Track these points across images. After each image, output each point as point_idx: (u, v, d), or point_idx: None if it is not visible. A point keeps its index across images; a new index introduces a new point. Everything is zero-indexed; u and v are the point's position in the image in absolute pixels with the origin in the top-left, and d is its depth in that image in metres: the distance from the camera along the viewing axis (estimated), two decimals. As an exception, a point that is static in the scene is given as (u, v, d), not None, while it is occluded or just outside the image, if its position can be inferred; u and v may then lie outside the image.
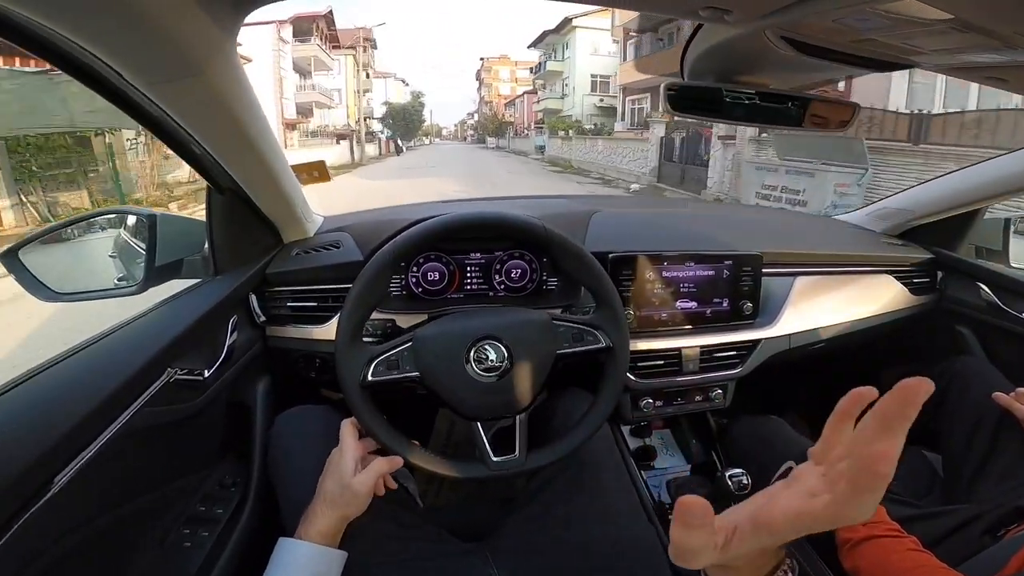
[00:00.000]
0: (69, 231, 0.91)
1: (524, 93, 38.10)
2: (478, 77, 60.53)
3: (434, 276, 0.88)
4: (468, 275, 0.90)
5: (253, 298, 0.87)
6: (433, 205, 1.13)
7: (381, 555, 0.65)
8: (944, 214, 1.16)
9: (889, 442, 0.30)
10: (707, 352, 0.97)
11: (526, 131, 35.01)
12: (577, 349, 0.73)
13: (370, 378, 0.66)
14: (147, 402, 0.59)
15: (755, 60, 0.69)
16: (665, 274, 0.93)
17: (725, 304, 0.97)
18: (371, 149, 28.16)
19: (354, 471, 0.63)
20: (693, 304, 0.95)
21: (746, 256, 0.97)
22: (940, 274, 1.20)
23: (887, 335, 1.16)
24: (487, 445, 0.68)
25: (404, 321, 0.86)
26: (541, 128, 27.13)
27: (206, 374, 0.71)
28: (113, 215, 0.96)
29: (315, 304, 0.89)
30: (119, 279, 0.91)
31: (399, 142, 35.21)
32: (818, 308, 1.05)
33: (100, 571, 0.58)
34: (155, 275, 0.83)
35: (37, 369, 0.55)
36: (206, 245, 0.87)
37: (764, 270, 0.99)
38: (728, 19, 0.52)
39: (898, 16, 0.45)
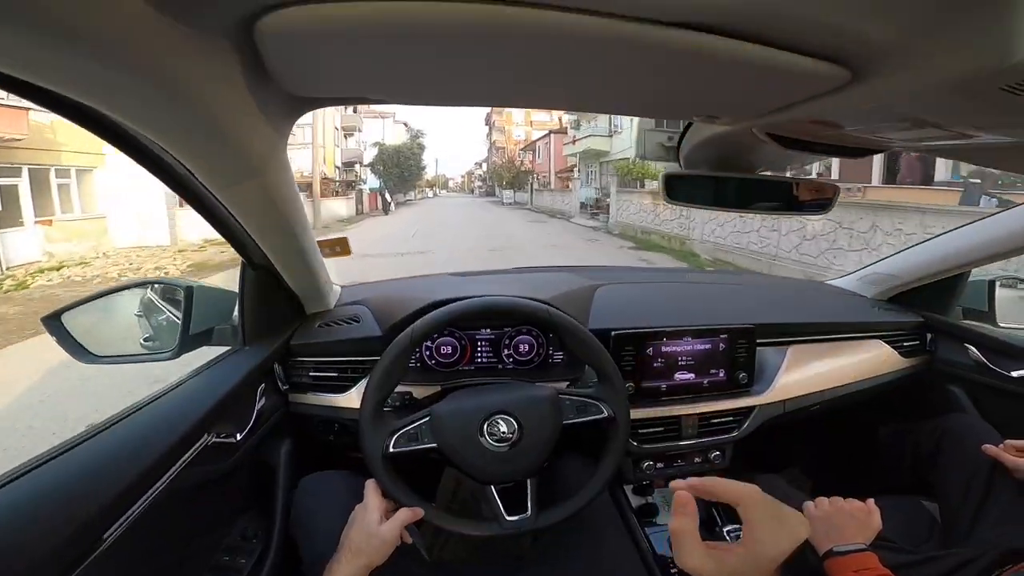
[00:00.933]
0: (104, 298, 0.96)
1: (550, 133, 29.86)
2: (487, 121, 51.13)
3: (447, 350, 0.94)
4: (479, 349, 0.96)
5: (278, 367, 0.93)
6: (446, 279, 1.19)
7: None
8: (932, 278, 1.21)
9: None
10: (705, 419, 1.02)
11: (548, 182, 28.37)
12: (582, 420, 0.79)
13: (391, 449, 0.72)
14: (188, 463, 0.64)
15: (744, 151, 0.75)
16: (664, 348, 0.98)
17: (721, 375, 1.02)
18: (342, 207, 19.83)
19: (379, 522, 0.69)
20: (691, 376, 1.00)
21: (741, 329, 1.03)
22: (930, 336, 1.25)
23: (880, 395, 1.20)
24: (500, 505, 0.74)
25: (419, 392, 0.91)
26: (579, 175, 20.61)
27: (238, 437, 0.77)
28: (144, 285, 1.02)
29: (335, 374, 0.95)
30: (145, 339, 0.97)
31: (387, 196, 26.20)
32: (811, 373, 1.10)
33: None
34: (189, 342, 0.89)
35: (93, 431, 0.60)
36: (235, 315, 0.93)
37: (758, 341, 1.04)
38: (718, 121, 0.60)
39: (862, 116, 0.51)
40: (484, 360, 0.96)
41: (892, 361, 1.19)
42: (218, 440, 0.73)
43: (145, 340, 0.96)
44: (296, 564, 0.77)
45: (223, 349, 0.91)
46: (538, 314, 0.82)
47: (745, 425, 1.04)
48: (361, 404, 0.74)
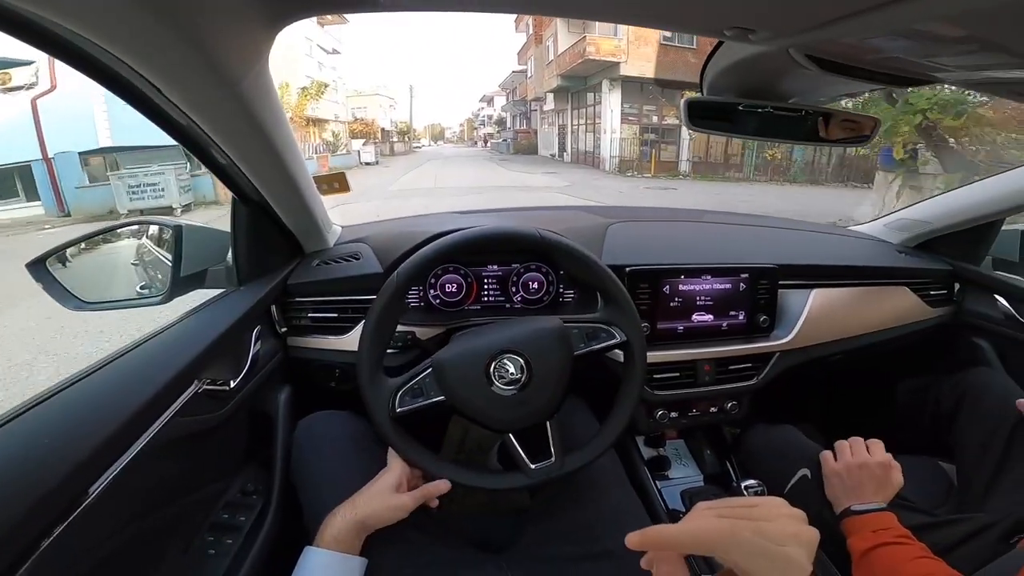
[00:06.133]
0: (94, 240, 0.92)
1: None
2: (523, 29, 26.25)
3: (452, 288, 0.89)
4: (486, 287, 0.91)
5: (275, 309, 0.88)
6: (451, 216, 1.14)
7: (401, 561, 0.67)
8: (962, 226, 1.16)
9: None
10: (723, 364, 0.98)
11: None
12: (593, 347, 0.73)
13: (398, 410, 0.67)
14: (177, 412, 0.60)
15: (777, 77, 0.70)
16: (682, 287, 0.93)
17: (741, 317, 0.97)
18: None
19: (396, 488, 0.66)
20: (709, 317, 0.96)
21: (763, 269, 0.97)
22: (957, 286, 1.20)
23: (903, 347, 1.16)
24: (523, 454, 0.69)
25: (423, 333, 0.87)
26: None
27: (232, 384, 0.72)
28: (137, 226, 0.97)
29: (336, 315, 0.90)
30: (141, 287, 0.93)
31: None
32: (834, 320, 1.05)
33: None
34: (180, 285, 0.84)
35: (72, 379, 0.56)
36: (229, 255, 0.88)
37: (780, 283, 0.99)
38: (752, 38, 0.53)
39: (924, 35, 0.45)
40: (492, 299, 0.91)
41: (918, 310, 1.14)
42: (210, 387, 0.69)
43: (141, 288, 0.92)
44: (298, 517, 0.73)
45: (218, 292, 0.87)
46: (529, 239, 0.76)
47: (765, 372, 1.00)
48: (357, 365, 0.69)
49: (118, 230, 0.97)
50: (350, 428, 0.80)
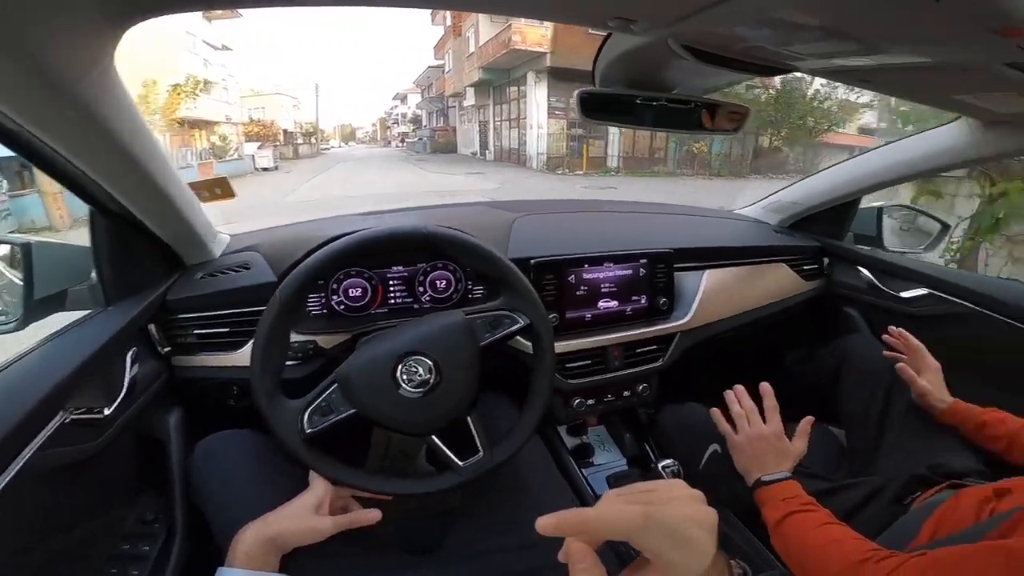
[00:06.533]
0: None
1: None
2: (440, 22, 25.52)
3: (356, 292, 0.86)
4: (392, 289, 0.88)
5: (153, 328, 0.80)
6: (351, 219, 1.10)
7: (328, 573, 0.65)
8: (826, 205, 1.30)
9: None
10: (630, 348, 1.03)
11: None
12: (498, 335, 0.73)
13: (307, 430, 0.64)
14: (42, 445, 0.54)
15: (660, 68, 0.73)
16: (586, 276, 0.97)
17: (643, 301, 1.03)
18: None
19: (314, 508, 0.63)
20: (614, 303, 1.00)
21: (659, 254, 1.03)
22: (827, 260, 1.34)
23: (787, 320, 1.28)
24: (450, 453, 0.68)
25: (326, 341, 0.83)
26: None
27: (106, 412, 0.66)
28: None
29: (226, 329, 0.83)
30: (-3, 313, 0.81)
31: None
32: (725, 298, 1.14)
33: None
34: (35, 309, 0.74)
35: None
36: (93, 273, 0.79)
37: (676, 266, 1.06)
38: (634, 28, 0.56)
39: (781, 23, 0.50)
40: (399, 301, 0.89)
41: (795, 284, 1.27)
42: (80, 415, 0.62)
43: None
44: (207, 540, 0.69)
45: (84, 313, 0.78)
46: (416, 235, 0.75)
47: (668, 352, 1.06)
48: (252, 389, 0.65)
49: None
50: (253, 445, 0.76)
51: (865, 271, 1.25)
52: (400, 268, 0.88)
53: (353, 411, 0.65)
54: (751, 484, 0.78)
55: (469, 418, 0.70)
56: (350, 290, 0.85)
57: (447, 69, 25.58)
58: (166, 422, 0.81)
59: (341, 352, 0.82)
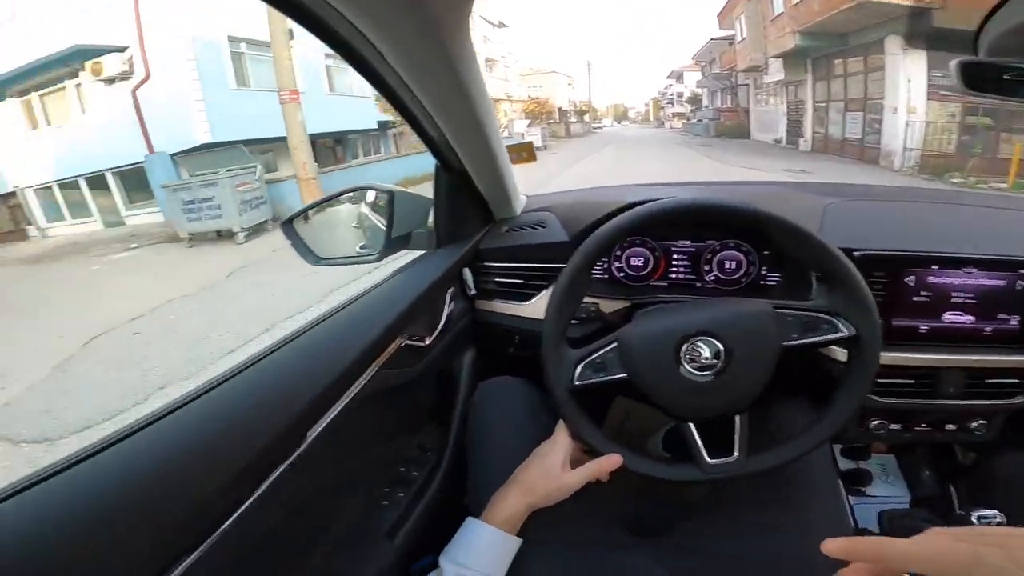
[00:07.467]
0: (321, 207, 1.07)
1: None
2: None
3: (638, 262, 0.85)
4: (674, 263, 0.85)
5: (467, 272, 0.95)
6: (635, 189, 1.08)
7: (551, 535, 0.66)
8: None
9: None
10: (976, 375, 0.78)
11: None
12: (808, 340, 0.62)
13: (576, 382, 0.65)
14: (383, 364, 0.64)
15: None
16: (932, 279, 0.75)
17: (1013, 322, 0.76)
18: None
19: (563, 465, 0.64)
20: (968, 318, 0.76)
21: None
22: None
23: None
24: (701, 447, 0.63)
25: (606, 306, 0.85)
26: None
27: (427, 340, 0.78)
28: (358, 191, 1.11)
29: (521, 281, 0.93)
30: (361, 247, 1.06)
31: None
32: None
33: (323, 519, 0.63)
34: (391, 245, 0.93)
35: (293, 335, 0.60)
36: (430, 219, 0.96)
37: None
38: None
39: None
40: (680, 276, 0.85)
41: None
42: (410, 342, 0.74)
43: (361, 248, 1.04)
44: (462, 477, 0.75)
45: (419, 253, 0.95)
46: (747, 214, 0.65)
47: None
48: (543, 333, 0.66)
49: (339, 197, 1.13)
50: (524, 396, 0.82)
51: None
52: (687, 242, 0.83)
53: (623, 375, 0.64)
54: None
55: (737, 418, 0.63)
56: (632, 259, 0.85)
57: (739, 38, 20.29)
58: (462, 359, 0.94)
59: (619, 319, 0.83)
